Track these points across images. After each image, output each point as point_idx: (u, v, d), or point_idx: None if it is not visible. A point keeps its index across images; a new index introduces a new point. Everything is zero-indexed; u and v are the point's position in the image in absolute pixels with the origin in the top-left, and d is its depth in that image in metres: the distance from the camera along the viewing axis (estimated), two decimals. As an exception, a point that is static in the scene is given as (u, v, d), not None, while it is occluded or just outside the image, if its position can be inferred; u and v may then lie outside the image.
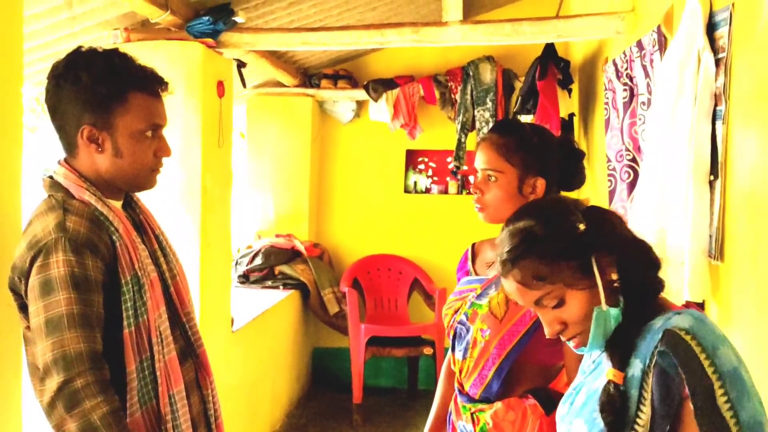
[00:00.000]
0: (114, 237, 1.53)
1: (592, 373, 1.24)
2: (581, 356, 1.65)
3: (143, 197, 1.77)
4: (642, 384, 1.08)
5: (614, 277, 1.16)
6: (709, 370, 1.01)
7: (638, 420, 1.07)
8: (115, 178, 1.59)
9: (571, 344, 1.22)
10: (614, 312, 1.16)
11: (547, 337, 1.22)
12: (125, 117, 1.55)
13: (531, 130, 1.85)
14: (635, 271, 1.16)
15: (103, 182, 1.59)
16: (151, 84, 1.60)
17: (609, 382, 1.11)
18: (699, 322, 1.08)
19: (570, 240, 1.16)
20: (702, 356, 1.02)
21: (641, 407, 1.08)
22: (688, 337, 1.04)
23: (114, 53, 1.58)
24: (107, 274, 1.50)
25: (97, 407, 1.41)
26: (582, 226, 1.16)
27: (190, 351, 1.70)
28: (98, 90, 1.53)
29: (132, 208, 1.71)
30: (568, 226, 1.17)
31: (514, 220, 1.23)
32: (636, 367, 1.10)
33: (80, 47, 1.60)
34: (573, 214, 1.19)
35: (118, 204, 1.64)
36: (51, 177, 1.61)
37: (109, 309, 1.51)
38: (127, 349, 1.51)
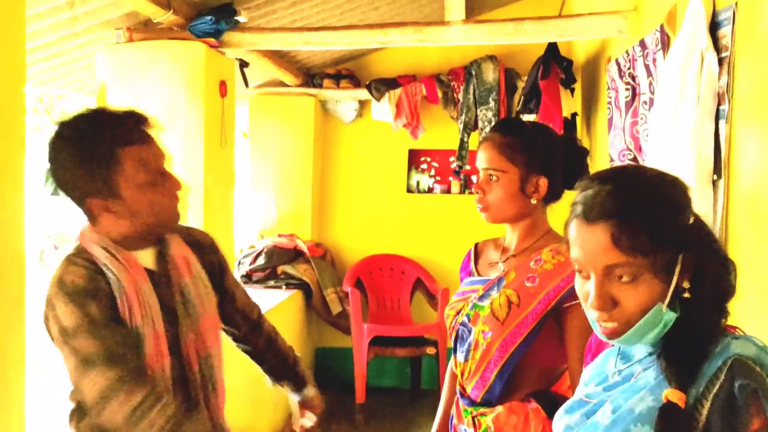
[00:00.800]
0: (114, 287, 1.52)
1: (619, 387, 1.13)
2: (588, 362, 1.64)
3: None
4: (692, 412, 0.99)
5: (686, 285, 1.05)
6: None
7: None
8: (142, 232, 1.59)
9: (601, 327, 1.09)
10: (668, 318, 1.05)
11: (588, 306, 1.08)
12: (125, 176, 1.52)
13: (534, 129, 1.82)
14: (710, 289, 1.06)
15: (128, 238, 1.59)
16: (135, 132, 1.54)
17: (669, 403, 1.00)
18: (762, 351, 1.01)
19: (680, 226, 1.05)
20: None
21: None
22: (757, 368, 0.97)
23: (84, 117, 1.55)
24: (115, 314, 1.51)
25: (161, 412, 1.44)
26: (692, 219, 1.06)
27: (192, 405, 1.65)
28: (86, 162, 1.51)
29: (163, 255, 1.67)
30: (685, 211, 1.06)
31: (632, 175, 1.10)
32: (690, 394, 1.00)
33: (64, 121, 1.56)
34: (687, 203, 1.07)
35: (147, 253, 1.63)
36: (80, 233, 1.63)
37: None
38: None
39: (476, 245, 1.99)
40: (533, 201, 1.77)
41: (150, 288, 1.58)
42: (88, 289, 1.50)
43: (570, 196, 1.91)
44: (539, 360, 1.73)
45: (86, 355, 1.46)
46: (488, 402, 1.74)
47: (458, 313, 1.84)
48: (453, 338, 1.86)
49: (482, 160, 1.79)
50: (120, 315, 1.52)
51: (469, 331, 1.78)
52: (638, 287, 1.04)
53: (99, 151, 1.50)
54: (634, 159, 2.70)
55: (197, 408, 1.64)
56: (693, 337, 1.05)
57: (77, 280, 1.50)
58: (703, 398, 0.99)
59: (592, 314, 1.09)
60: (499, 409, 1.71)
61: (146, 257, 1.63)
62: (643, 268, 1.03)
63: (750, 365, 0.98)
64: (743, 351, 1.00)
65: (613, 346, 1.20)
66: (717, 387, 0.98)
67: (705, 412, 0.98)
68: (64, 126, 1.54)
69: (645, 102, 2.54)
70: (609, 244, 1.04)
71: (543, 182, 1.76)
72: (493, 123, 4.82)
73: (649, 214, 1.04)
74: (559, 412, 1.22)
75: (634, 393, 1.08)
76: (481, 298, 1.78)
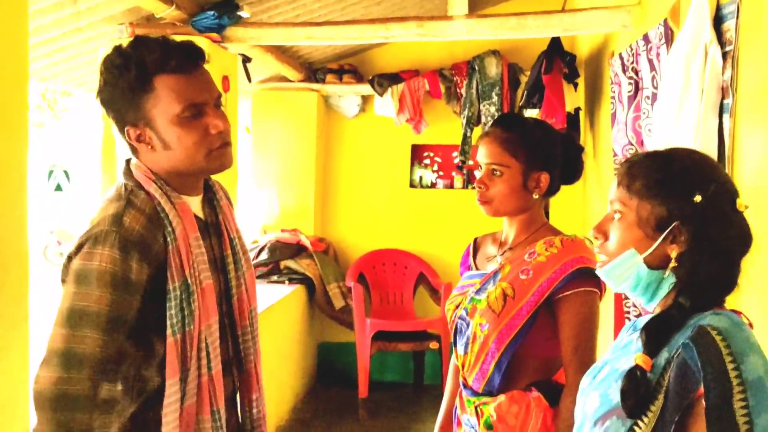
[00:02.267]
0: (169, 238, 1.44)
1: (620, 350, 1.24)
2: (580, 351, 1.68)
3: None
4: (662, 373, 1.09)
5: (673, 255, 1.15)
6: (732, 374, 1.00)
7: (651, 407, 1.07)
8: (179, 170, 1.49)
9: (599, 259, 1.26)
10: (643, 271, 1.17)
11: (591, 231, 1.26)
12: (158, 106, 1.43)
13: (534, 125, 1.86)
14: (697, 271, 1.14)
15: (173, 177, 1.50)
16: (176, 61, 1.44)
17: (636, 366, 1.10)
18: (735, 326, 1.08)
19: (681, 196, 1.14)
20: (728, 359, 1.01)
21: (656, 395, 1.08)
22: (718, 338, 1.03)
23: (130, 44, 1.47)
24: (155, 276, 1.43)
25: (84, 422, 1.33)
26: (698, 198, 1.13)
27: (235, 365, 1.62)
28: (121, 86, 1.44)
29: (212, 206, 1.62)
30: (695, 188, 1.14)
31: (673, 148, 1.25)
32: (662, 357, 1.11)
33: (112, 48, 1.50)
34: (707, 186, 1.14)
35: (195, 199, 1.56)
36: (128, 163, 1.54)
37: (151, 313, 1.43)
38: (171, 358, 1.42)
39: (475, 240, 2.03)
40: (535, 196, 1.81)
41: (200, 241, 1.51)
42: (143, 240, 1.41)
43: (568, 193, 1.93)
44: (536, 351, 1.76)
45: (83, 307, 1.35)
46: (490, 392, 1.78)
47: (457, 307, 1.88)
48: (453, 332, 1.90)
49: (485, 154, 1.82)
50: (166, 272, 1.43)
51: (467, 325, 1.81)
52: (621, 227, 1.20)
53: (135, 76, 1.43)
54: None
55: (240, 370, 1.61)
56: (671, 309, 1.15)
57: (135, 225, 1.42)
58: (671, 361, 1.08)
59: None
60: (501, 398, 1.74)
61: (195, 204, 1.56)
62: (629, 211, 1.18)
63: (709, 333, 1.04)
64: (713, 322, 1.07)
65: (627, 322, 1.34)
66: (678, 350, 1.07)
67: (670, 372, 1.07)
68: (113, 50, 1.48)
69: (648, 97, 2.53)
70: (616, 183, 1.22)
71: (544, 177, 1.80)
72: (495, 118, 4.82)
73: (653, 169, 1.18)
74: (583, 378, 1.32)
75: (625, 355, 1.20)
76: (478, 291, 1.82)
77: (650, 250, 1.16)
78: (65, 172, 15.49)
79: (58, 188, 15.48)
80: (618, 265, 1.20)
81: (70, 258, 1.43)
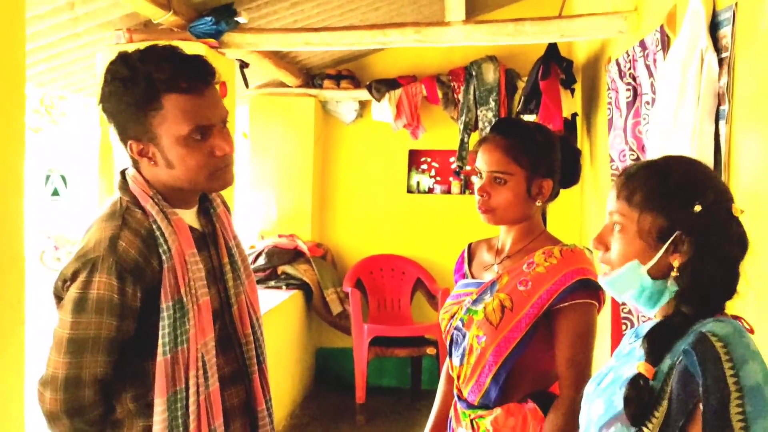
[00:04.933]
0: (164, 258, 1.43)
1: (623, 357, 1.25)
2: (575, 364, 1.66)
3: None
4: (665, 379, 1.09)
5: (676, 264, 1.15)
6: (731, 380, 1.01)
7: (655, 413, 1.08)
8: (179, 187, 1.48)
9: (600, 269, 1.26)
10: (647, 281, 1.17)
11: (591, 242, 1.26)
12: (164, 124, 1.40)
13: (535, 130, 1.80)
14: (705, 283, 1.15)
15: (171, 191, 1.49)
16: (187, 81, 1.40)
17: (638, 374, 1.11)
18: (736, 332, 1.09)
19: (680, 205, 1.14)
20: (727, 365, 1.02)
21: (660, 401, 1.08)
22: (719, 344, 1.04)
23: (139, 55, 1.42)
24: (147, 299, 1.42)
25: (97, 424, 1.43)
26: (698, 208, 1.14)
27: (241, 376, 1.60)
28: (127, 100, 1.40)
29: (208, 215, 1.60)
30: (695, 197, 1.14)
31: (670, 156, 1.25)
32: (665, 364, 1.11)
33: (117, 55, 1.45)
34: (705, 195, 1.15)
35: (190, 212, 1.55)
36: (124, 175, 1.52)
37: (144, 333, 1.44)
38: (160, 377, 1.41)
39: (470, 246, 1.98)
40: (537, 203, 1.77)
41: (196, 257, 1.49)
42: (138, 265, 1.40)
43: (565, 199, 1.92)
44: (534, 363, 1.72)
45: (83, 335, 1.39)
46: (485, 405, 1.73)
47: (452, 317, 1.83)
48: (448, 342, 1.85)
49: (486, 162, 1.76)
50: (161, 294, 1.42)
51: (464, 336, 1.76)
52: (622, 239, 1.20)
53: (143, 92, 1.39)
54: (637, 159, 2.70)
55: (246, 379, 1.60)
56: (673, 317, 1.16)
57: (131, 250, 1.40)
58: (674, 367, 1.09)
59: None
60: (497, 411, 1.70)
61: (190, 216, 1.55)
62: (630, 223, 1.18)
63: (710, 339, 1.05)
64: (714, 329, 1.08)
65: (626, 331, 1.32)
66: (680, 357, 1.08)
67: (673, 378, 1.08)
68: (119, 59, 1.43)
69: (647, 102, 2.54)
70: (615, 194, 1.22)
71: (547, 184, 1.76)
72: (493, 123, 4.81)
73: (652, 180, 1.18)
74: (588, 384, 1.33)
75: (628, 362, 1.20)
76: (475, 302, 1.77)
77: (653, 261, 1.17)
78: (62, 177, 15.48)
79: (55, 193, 15.46)
80: (621, 276, 1.20)
81: (65, 281, 1.42)
